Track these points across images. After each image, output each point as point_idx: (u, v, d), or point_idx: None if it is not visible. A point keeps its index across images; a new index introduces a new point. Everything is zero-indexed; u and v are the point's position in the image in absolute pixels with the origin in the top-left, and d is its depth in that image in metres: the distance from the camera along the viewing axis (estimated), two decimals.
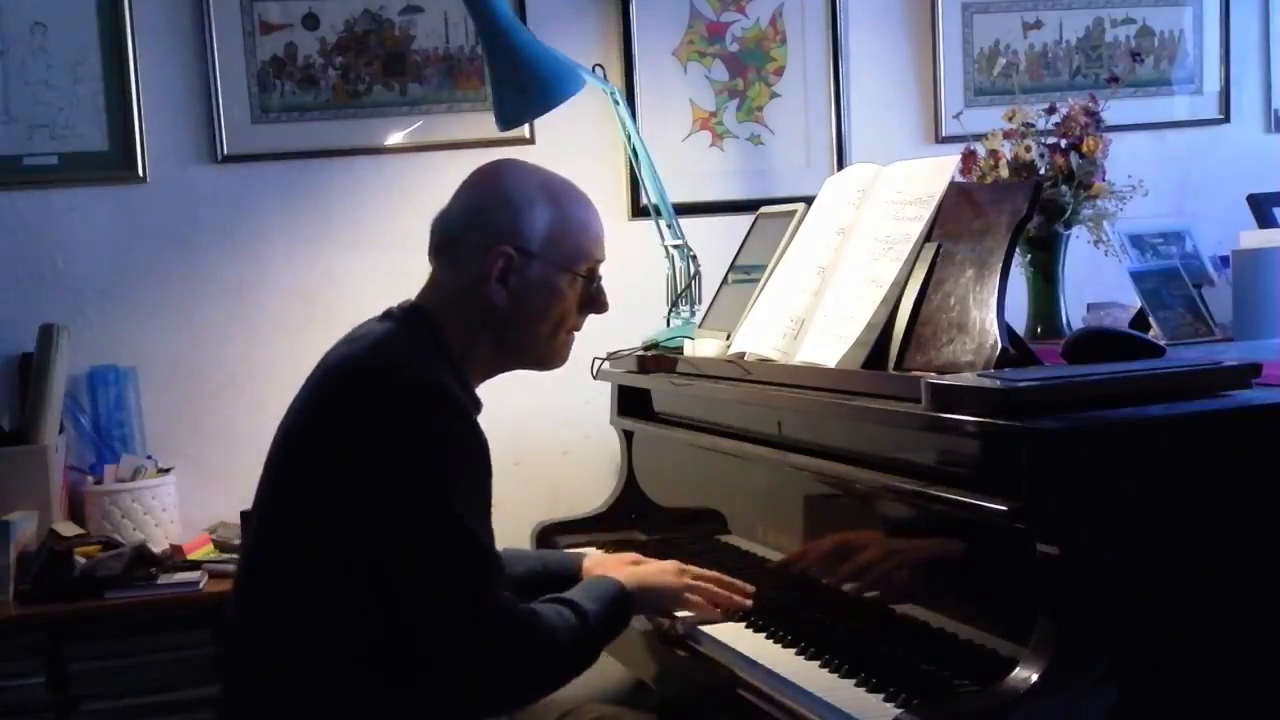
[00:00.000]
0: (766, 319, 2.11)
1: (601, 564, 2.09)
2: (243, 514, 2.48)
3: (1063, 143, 2.38)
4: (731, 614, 1.96)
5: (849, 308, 1.94)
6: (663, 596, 1.94)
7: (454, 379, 1.76)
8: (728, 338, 2.22)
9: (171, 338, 2.90)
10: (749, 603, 1.95)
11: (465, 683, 1.68)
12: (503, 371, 1.90)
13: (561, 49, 2.69)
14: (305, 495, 1.70)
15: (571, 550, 2.29)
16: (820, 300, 2.02)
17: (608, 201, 3.07)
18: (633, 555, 2.12)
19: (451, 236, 1.84)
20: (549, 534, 2.58)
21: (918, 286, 1.86)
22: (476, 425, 1.75)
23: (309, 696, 1.68)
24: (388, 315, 1.84)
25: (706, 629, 1.93)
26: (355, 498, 1.65)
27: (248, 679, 1.75)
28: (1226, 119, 3.36)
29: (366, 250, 2.91)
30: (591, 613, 1.78)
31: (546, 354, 1.89)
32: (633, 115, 2.83)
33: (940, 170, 1.97)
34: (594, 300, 1.92)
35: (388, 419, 1.66)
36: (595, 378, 2.56)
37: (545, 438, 3.04)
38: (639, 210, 3.04)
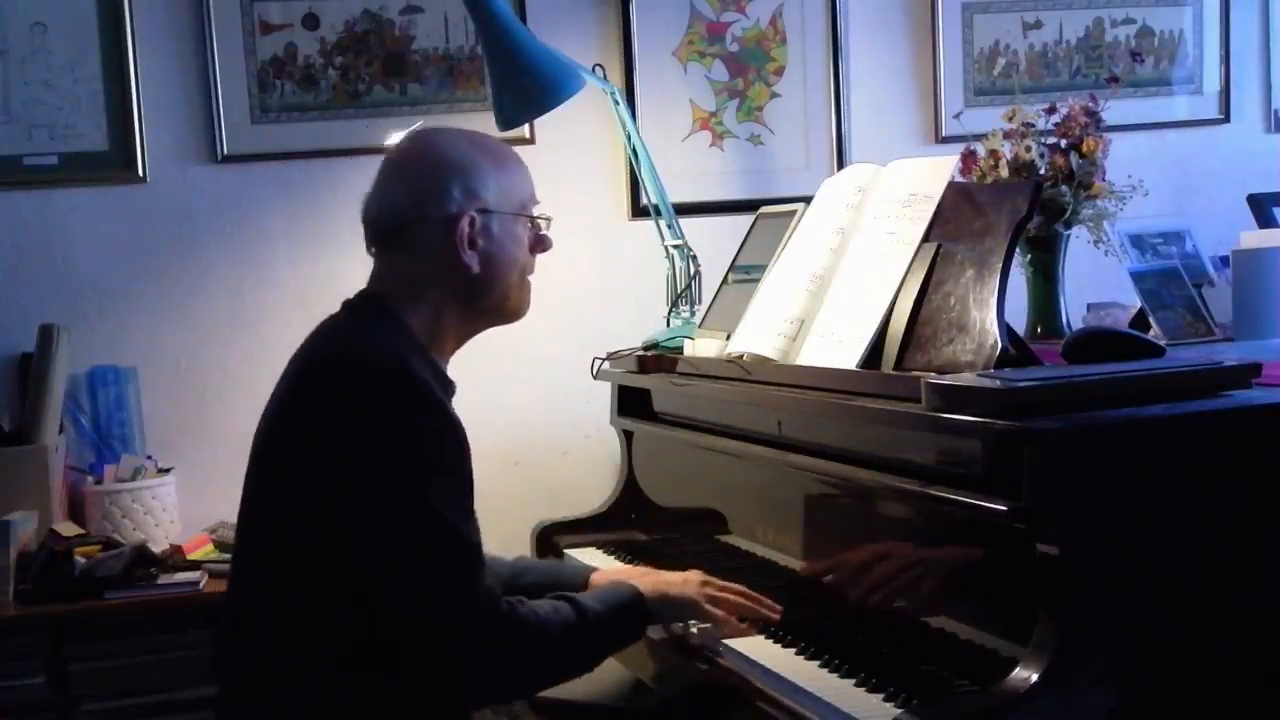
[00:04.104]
0: (766, 319, 2.11)
1: (609, 577, 2.06)
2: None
3: (1063, 143, 2.38)
4: (756, 626, 1.91)
5: (849, 308, 1.94)
6: (683, 606, 1.90)
7: (422, 364, 1.75)
8: (728, 338, 2.22)
9: (171, 338, 2.90)
10: (776, 616, 1.91)
11: (448, 673, 1.68)
12: (473, 336, 1.89)
13: (561, 49, 2.69)
14: (286, 494, 1.70)
15: (582, 564, 2.24)
16: (820, 300, 2.02)
17: (608, 201, 3.09)
18: (646, 570, 2.08)
19: (404, 221, 1.81)
20: (549, 534, 2.58)
21: (917, 286, 1.85)
22: (449, 409, 1.74)
23: (301, 693, 1.68)
24: (347, 307, 1.84)
25: (706, 628, 1.93)
26: (333, 494, 1.65)
27: (242, 678, 1.76)
28: (1226, 119, 3.36)
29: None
30: (591, 611, 1.77)
31: (517, 303, 1.88)
32: (633, 115, 2.83)
33: (940, 170, 1.97)
34: (541, 240, 1.91)
35: (360, 411, 1.66)
36: (595, 378, 2.57)
37: (545, 438, 3.04)
38: (639, 210, 3.04)
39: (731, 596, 1.92)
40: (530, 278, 1.91)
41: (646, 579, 1.95)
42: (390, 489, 1.64)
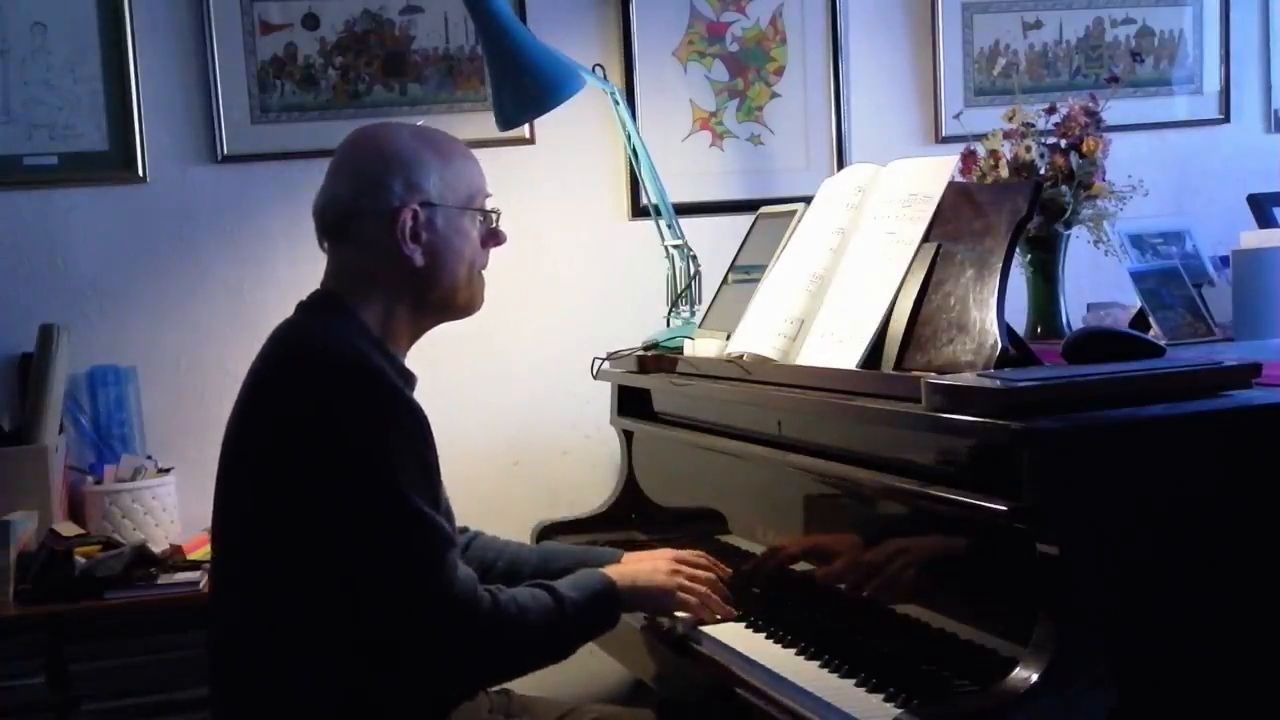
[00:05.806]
0: (766, 319, 2.11)
1: (638, 559, 2.07)
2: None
3: (1063, 143, 2.38)
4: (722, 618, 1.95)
5: (848, 308, 1.94)
6: (654, 597, 1.93)
7: (379, 355, 1.76)
8: (728, 338, 2.22)
9: (171, 338, 2.90)
10: (735, 613, 1.95)
11: (428, 655, 1.68)
12: (427, 330, 1.89)
13: (561, 49, 2.69)
14: (256, 494, 1.72)
15: (610, 549, 2.21)
16: (820, 300, 2.02)
17: (608, 201, 3.09)
18: (669, 551, 2.06)
19: (348, 214, 1.81)
20: (549, 534, 2.58)
21: (917, 286, 1.86)
22: (409, 397, 1.75)
23: (284, 686, 1.69)
24: (300, 308, 1.86)
25: (706, 629, 1.94)
26: (300, 486, 1.66)
27: (226, 674, 1.77)
28: (1226, 119, 3.36)
29: None
30: (569, 599, 1.78)
31: (468, 298, 1.88)
32: (633, 115, 2.83)
33: (940, 170, 1.97)
34: (494, 234, 1.91)
35: (319, 403, 1.67)
36: (595, 378, 2.57)
37: (545, 438, 3.04)
38: (639, 210, 3.04)
39: (700, 587, 1.95)
40: (484, 272, 1.91)
41: (617, 568, 1.95)
42: (354, 476, 1.65)
